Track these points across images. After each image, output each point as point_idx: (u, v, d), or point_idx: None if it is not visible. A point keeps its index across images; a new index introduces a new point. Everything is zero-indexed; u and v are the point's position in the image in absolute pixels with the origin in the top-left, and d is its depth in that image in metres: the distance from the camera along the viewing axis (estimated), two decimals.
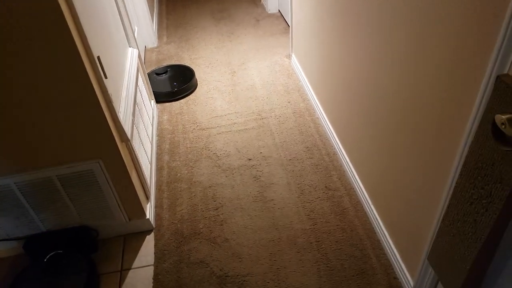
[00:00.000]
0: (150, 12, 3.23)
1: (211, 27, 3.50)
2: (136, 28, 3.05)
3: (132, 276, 1.60)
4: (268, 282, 1.52)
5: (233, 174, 2.01)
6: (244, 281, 1.53)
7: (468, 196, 0.89)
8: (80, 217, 1.64)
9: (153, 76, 2.76)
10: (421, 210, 1.25)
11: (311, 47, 2.31)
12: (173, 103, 2.59)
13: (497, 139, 0.77)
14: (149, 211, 1.78)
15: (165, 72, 2.78)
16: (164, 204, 1.89)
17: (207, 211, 1.83)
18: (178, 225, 1.78)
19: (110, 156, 1.49)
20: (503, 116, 0.72)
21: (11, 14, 1.09)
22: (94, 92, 1.30)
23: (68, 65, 1.22)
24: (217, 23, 3.56)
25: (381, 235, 1.61)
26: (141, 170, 1.72)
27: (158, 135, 2.32)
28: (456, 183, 0.92)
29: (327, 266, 1.55)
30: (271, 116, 2.38)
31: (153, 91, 2.55)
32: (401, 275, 1.47)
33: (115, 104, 1.45)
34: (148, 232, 1.77)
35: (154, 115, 2.41)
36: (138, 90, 2.01)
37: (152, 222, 1.78)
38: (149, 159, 2.00)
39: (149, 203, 1.82)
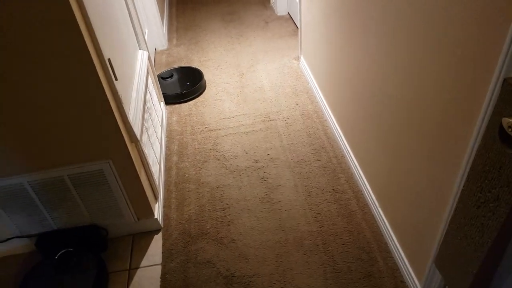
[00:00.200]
0: (160, 15, 3.26)
1: (220, 29, 3.52)
2: (146, 31, 3.08)
3: (140, 275, 1.62)
4: (274, 283, 1.53)
5: (240, 175, 2.03)
6: (250, 281, 1.54)
7: (475, 200, 0.89)
8: (90, 216, 1.67)
9: (160, 80, 2.79)
10: (428, 213, 1.25)
11: (319, 49, 2.32)
12: (182, 104, 2.61)
13: (504, 142, 0.77)
14: (158, 211, 1.80)
15: (170, 76, 2.79)
16: (172, 204, 1.91)
17: (214, 212, 1.84)
18: (186, 225, 1.79)
19: (119, 156, 1.51)
20: (510, 119, 0.72)
21: (23, 17, 1.12)
22: (105, 94, 1.33)
23: (79, 67, 1.24)
24: (227, 25, 3.58)
25: (388, 238, 1.61)
26: (150, 171, 1.74)
27: (167, 136, 2.35)
28: (463, 186, 0.92)
29: (334, 269, 1.55)
30: (279, 118, 2.39)
31: (162, 93, 2.58)
32: (408, 279, 1.46)
33: (125, 106, 1.48)
34: (156, 231, 1.79)
35: (164, 117, 2.43)
36: (148, 91, 2.04)
37: (160, 222, 1.80)
38: (158, 159, 2.02)
39: (157, 203, 1.84)
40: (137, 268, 1.65)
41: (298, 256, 1.62)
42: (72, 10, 1.14)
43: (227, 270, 1.59)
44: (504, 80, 0.75)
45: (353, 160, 1.94)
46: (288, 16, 3.64)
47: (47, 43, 1.18)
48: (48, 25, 1.15)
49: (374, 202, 1.72)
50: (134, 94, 1.73)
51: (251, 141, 2.24)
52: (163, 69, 3.02)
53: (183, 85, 2.69)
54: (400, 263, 1.51)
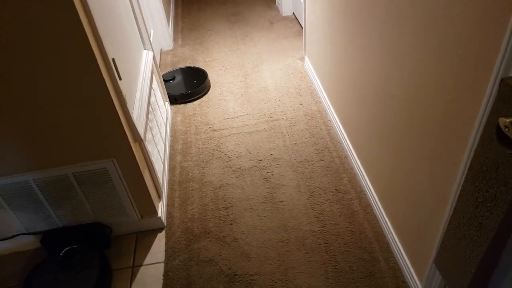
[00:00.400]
0: (166, 15, 3.28)
1: (225, 30, 3.54)
2: (151, 31, 3.11)
3: (143, 273, 1.64)
4: (276, 282, 1.54)
5: (243, 175, 2.04)
6: (252, 280, 1.55)
7: (473, 199, 0.89)
8: (94, 214, 1.69)
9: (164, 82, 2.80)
10: (429, 213, 1.25)
11: (323, 50, 2.32)
12: (187, 104, 2.63)
13: (502, 142, 0.77)
14: (161, 210, 1.82)
15: (172, 79, 2.80)
16: (176, 203, 1.93)
17: (217, 211, 1.86)
18: (189, 224, 1.81)
19: (123, 155, 1.53)
20: (506, 119, 0.73)
21: (28, 18, 1.14)
22: (109, 93, 1.34)
23: (83, 66, 1.26)
24: (232, 26, 3.59)
25: (390, 238, 1.61)
26: (153, 170, 1.76)
27: (171, 136, 2.37)
28: (462, 186, 0.93)
29: (335, 268, 1.56)
30: (282, 118, 2.40)
31: (167, 93, 2.60)
32: (409, 279, 1.47)
33: (129, 105, 1.49)
34: (160, 230, 1.80)
35: (168, 116, 2.45)
36: (152, 91, 2.05)
37: (163, 220, 1.81)
38: (162, 159, 2.04)
39: (161, 201, 1.86)
40: (140, 265, 1.67)
41: (300, 255, 1.63)
42: (77, 11, 1.16)
43: (229, 269, 1.61)
44: (502, 80, 0.75)
45: (356, 161, 1.95)
46: (293, 16, 3.65)
47: (52, 43, 1.20)
48: (53, 25, 1.17)
49: (376, 202, 1.73)
50: (138, 94, 1.74)
51: (255, 141, 2.26)
52: (168, 69, 3.04)
53: (187, 85, 2.70)
54: (402, 263, 1.51)
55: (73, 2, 1.14)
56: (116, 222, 1.75)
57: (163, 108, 2.34)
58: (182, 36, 3.53)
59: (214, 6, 4.03)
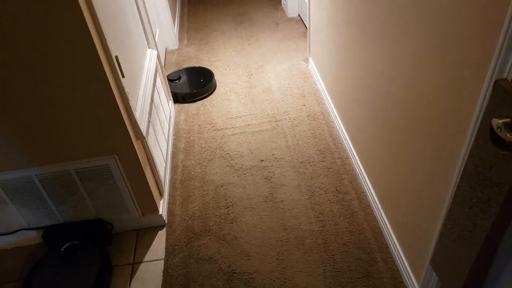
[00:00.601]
0: (172, 15, 3.31)
1: (231, 30, 3.56)
2: (157, 31, 3.13)
3: (143, 269, 1.66)
4: (274, 281, 1.54)
5: (245, 174, 2.05)
6: (250, 278, 1.56)
7: (468, 200, 0.89)
8: (96, 211, 1.71)
9: (169, 81, 2.82)
10: (427, 214, 1.25)
11: (327, 51, 2.33)
12: (191, 103, 2.64)
13: (495, 143, 0.78)
14: (162, 207, 1.83)
15: (178, 79, 2.82)
16: (177, 201, 1.94)
17: (218, 209, 1.87)
18: (190, 222, 1.82)
19: (125, 152, 1.54)
20: (499, 120, 0.73)
21: (31, 15, 1.16)
22: (111, 91, 1.36)
23: (86, 64, 1.28)
24: (237, 26, 3.61)
25: (389, 239, 1.61)
26: (155, 167, 1.78)
27: (174, 135, 2.38)
28: (457, 187, 0.93)
29: (334, 268, 1.56)
30: (285, 119, 2.41)
31: (173, 92, 2.62)
32: (407, 280, 1.47)
33: (131, 103, 1.51)
34: (161, 227, 1.82)
35: (172, 115, 2.47)
36: (156, 90, 2.07)
37: (164, 218, 1.83)
38: (164, 157, 2.06)
39: (162, 199, 1.87)
40: (141, 262, 1.69)
41: (299, 254, 1.63)
42: (81, 8, 1.18)
43: (228, 267, 1.62)
44: (495, 81, 0.75)
45: (357, 162, 1.95)
46: (298, 17, 3.66)
47: (55, 40, 1.22)
48: (57, 23, 1.19)
49: (376, 204, 1.73)
50: (141, 92, 1.76)
51: (257, 141, 2.27)
52: (173, 68, 3.06)
53: (194, 84, 2.72)
54: (400, 264, 1.52)
55: (77, 0, 1.16)
56: (117, 218, 1.77)
57: (166, 106, 2.36)
58: (188, 36, 3.55)
59: (220, 6, 4.05)
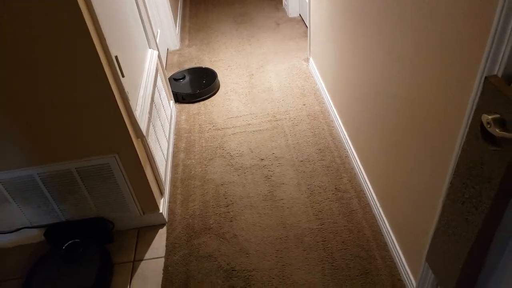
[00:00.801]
0: (173, 16, 3.33)
1: (232, 30, 3.57)
2: (159, 31, 3.15)
3: (143, 267, 1.67)
4: (273, 278, 1.56)
5: (245, 173, 2.06)
6: (250, 275, 1.57)
7: (461, 196, 0.90)
8: (97, 209, 1.73)
9: (173, 81, 2.83)
10: (424, 212, 1.26)
11: (327, 51, 2.34)
12: (192, 103, 2.66)
13: (486, 139, 0.79)
14: (163, 206, 1.85)
15: (183, 78, 2.83)
16: (178, 199, 1.96)
17: (218, 208, 1.89)
18: (190, 220, 1.84)
19: (125, 151, 1.56)
20: (489, 116, 0.74)
21: (32, 15, 1.18)
22: (111, 90, 1.38)
23: (86, 63, 1.30)
24: (238, 26, 3.63)
25: (387, 237, 1.62)
26: (155, 166, 1.79)
27: (175, 134, 2.40)
28: (450, 183, 0.94)
29: (332, 265, 1.58)
30: (285, 118, 2.42)
31: (175, 92, 2.64)
32: (405, 277, 1.48)
33: (131, 102, 1.53)
34: (161, 225, 1.84)
35: (173, 115, 2.49)
36: (156, 90, 2.09)
37: (165, 216, 1.85)
38: (165, 156, 2.07)
39: (163, 198, 1.89)
40: (141, 260, 1.70)
41: (298, 252, 1.64)
42: (80, 9, 1.19)
43: (227, 264, 1.63)
44: (485, 78, 0.76)
45: (356, 160, 1.96)
46: (299, 18, 3.67)
47: (55, 40, 1.24)
48: (56, 23, 1.21)
49: (375, 202, 1.74)
50: (142, 92, 1.78)
51: (257, 140, 2.28)
52: (174, 68, 3.08)
53: (197, 84, 2.73)
54: (398, 261, 1.53)
55: (76, 0, 1.18)
56: (118, 217, 1.79)
57: (167, 106, 2.38)
58: (189, 36, 3.57)
59: (221, 7, 4.07)
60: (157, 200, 1.78)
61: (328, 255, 1.62)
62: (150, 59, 2.09)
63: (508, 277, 0.87)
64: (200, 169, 2.13)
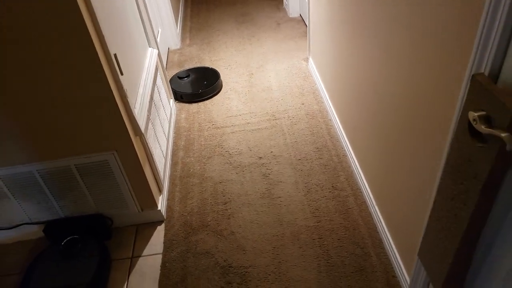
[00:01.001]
0: (174, 15, 3.35)
1: (233, 30, 3.59)
2: (159, 30, 3.17)
3: (141, 263, 1.69)
4: (269, 274, 1.57)
5: (243, 171, 2.08)
6: (246, 272, 1.59)
7: (450, 192, 0.92)
8: (96, 206, 1.75)
9: (177, 79, 2.85)
10: (418, 209, 1.27)
11: (326, 50, 2.36)
12: (192, 102, 2.68)
13: (473, 136, 0.80)
14: (161, 203, 1.87)
15: (187, 76, 2.85)
16: (176, 197, 1.98)
17: (216, 205, 1.90)
18: (188, 217, 1.86)
19: (124, 148, 1.58)
20: (475, 113, 0.76)
21: (31, 14, 1.20)
22: (110, 88, 1.40)
23: (85, 61, 1.32)
24: (239, 26, 3.64)
25: (383, 235, 1.64)
26: (154, 164, 1.81)
27: (175, 132, 2.42)
28: (440, 179, 0.96)
29: (328, 262, 1.59)
30: (284, 117, 2.43)
31: (179, 92, 2.65)
32: (399, 274, 1.49)
33: (130, 100, 1.55)
34: (159, 222, 1.86)
35: (172, 113, 2.51)
36: (156, 88, 2.11)
37: (163, 214, 1.87)
38: (164, 154, 2.09)
39: (161, 195, 1.91)
40: (139, 256, 1.72)
41: (294, 249, 1.66)
42: (79, 7, 1.21)
43: (224, 261, 1.65)
44: (472, 76, 0.78)
45: (353, 159, 1.98)
46: (300, 18, 3.69)
47: (54, 38, 1.26)
48: (56, 22, 1.23)
49: (371, 200, 1.75)
50: (141, 90, 1.80)
51: (256, 139, 2.30)
52: (175, 67, 3.10)
53: (199, 84, 2.74)
54: (393, 258, 1.54)
55: (76, 0, 1.20)
56: (117, 214, 1.81)
57: (167, 105, 2.40)
58: (190, 36, 3.59)
59: (223, 6, 4.09)
60: (155, 197, 1.80)
61: (324, 252, 1.63)
62: (150, 57, 2.11)
63: (495, 273, 0.89)
64: (199, 167, 2.15)
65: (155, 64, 2.13)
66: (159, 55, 2.30)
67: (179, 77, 2.84)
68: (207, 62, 3.14)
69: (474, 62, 0.81)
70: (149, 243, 1.77)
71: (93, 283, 1.55)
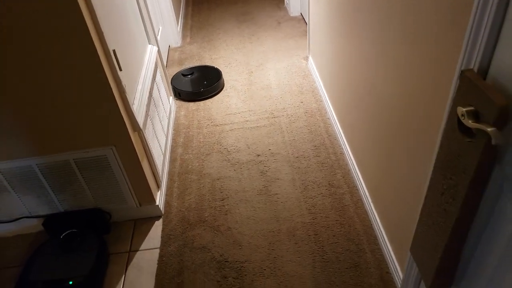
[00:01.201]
0: (175, 13, 3.37)
1: (233, 29, 3.61)
2: (160, 28, 3.19)
3: (139, 257, 1.71)
4: (265, 269, 1.59)
5: (241, 168, 2.10)
6: (242, 267, 1.61)
7: (440, 187, 0.93)
8: (95, 200, 1.77)
9: (181, 76, 2.86)
10: (411, 206, 1.29)
11: (325, 49, 2.37)
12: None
13: (462, 131, 0.82)
14: (159, 198, 1.89)
15: (191, 74, 2.86)
16: (174, 193, 2.00)
17: (213, 201, 1.92)
18: (186, 213, 1.88)
19: (122, 143, 1.60)
20: (463, 109, 0.77)
21: (30, 9, 1.22)
22: (108, 83, 1.42)
23: (84, 58, 1.34)
24: (240, 25, 3.66)
25: (378, 232, 1.65)
26: (152, 160, 1.83)
27: (174, 129, 2.44)
28: (431, 175, 0.97)
29: (323, 258, 1.61)
30: (283, 115, 2.45)
31: (181, 90, 2.67)
32: (393, 270, 1.51)
33: (129, 95, 1.57)
34: (157, 217, 1.88)
35: (172, 110, 2.53)
36: (155, 85, 2.13)
37: (161, 209, 1.88)
38: (163, 150, 2.11)
39: (160, 191, 1.93)
40: (137, 250, 1.74)
41: (290, 245, 1.68)
42: (78, 4, 1.23)
43: (221, 256, 1.67)
44: (461, 72, 0.79)
45: (350, 157, 1.99)
46: (300, 17, 3.70)
47: (53, 34, 1.28)
48: (55, 18, 1.25)
49: (367, 197, 1.77)
50: (140, 86, 1.82)
51: (254, 136, 2.31)
52: (175, 65, 3.12)
53: (201, 83, 2.74)
54: (387, 255, 1.55)
55: None
56: (115, 208, 1.83)
57: (166, 102, 2.42)
58: (191, 34, 3.61)
59: (224, 5, 4.11)
60: (153, 193, 1.82)
61: (319, 248, 1.65)
62: (150, 54, 2.13)
63: (483, 269, 0.90)
64: (197, 164, 2.16)
65: (154, 61, 2.15)
66: (159, 52, 2.31)
67: (183, 74, 2.85)
68: (207, 60, 3.15)
69: (464, 58, 0.83)
70: (146, 238, 1.79)
71: (91, 276, 1.57)
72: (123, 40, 1.66)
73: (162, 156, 2.07)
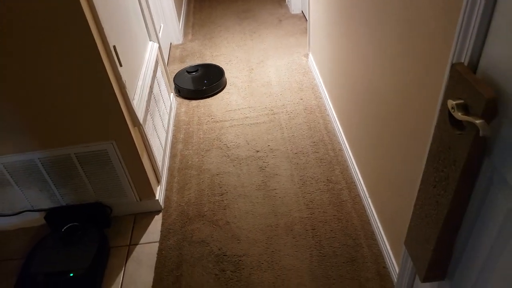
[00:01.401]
0: (177, 11, 3.39)
1: (234, 26, 3.63)
2: (162, 25, 3.21)
3: (138, 251, 1.74)
4: (262, 263, 1.61)
5: (240, 164, 2.12)
6: (240, 260, 1.63)
7: (432, 180, 0.95)
8: (96, 194, 1.79)
9: (185, 73, 2.87)
10: (406, 201, 1.30)
11: (325, 47, 2.38)
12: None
13: (452, 124, 0.83)
14: (159, 193, 1.91)
15: (196, 71, 2.88)
16: (174, 188, 2.02)
17: (212, 196, 1.94)
18: (185, 207, 1.90)
19: (122, 138, 1.62)
20: (453, 102, 0.79)
21: (30, 3, 1.24)
22: (109, 78, 1.44)
23: (84, 52, 1.36)
24: (241, 22, 3.68)
25: (375, 227, 1.67)
26: (152, 155, 1.85)
27: (174, 125, 2.46)
28: (424, 168, 0.99)
29: (320, 252, 1.63)
30: (282, 112, 2.47)
31: (183, 88, 2.68)
32: (389, 264, 1.52)
33: (129, 91, 1.59)
34: (157, 212, 1.90)
35: (172, 107, 2.55)
36: (156, 81, 2.15)
37: (161, 203, 1.91)
38: (163, 146, 2.13)
39: (160, 186, 1.95)
40: (137, 244, 1.77)
41: (287, 239, 1.70)
42: (79, 0, 1.25)
43: (219, 249, 1.69)
44: (452, 65, 0.81)
45: (349, 153, 2.01)
46: (301, 14, 3.71)
47: (54, 29, 1.30)
48: (55, 13, 1.27)
49: (365, 193, 1.78)
50: (140, 82, 1.84)
51: (254, 133, 2.33)
52: (176, 62, 3.14)
53: (203, 81, 2.76)
54: (384, 250, 1.57)
55: None
56: (116, 202, 1.85)
57: (167, 98, 2.44)
58: (193, 31, 3.63)
59: (225, 3, 4.13)
60: (153, 188, 1.84)
61: (317, 242, 1.67)
62: (150, 51, 2.15)
63: (473, 262, 0.92)
64: (197, 159, 2.18)
65: (155, 57, 2.17)
66: (159, 49, 2.33)
67: (188, 71, 2.86)
68: (208, 57, 3.17)
69: (455, 52, 0.84)
70: (146, 232, 1.82)
71: (92, 268, 1.60)
72: (124, 36, 1.68)
73: (162, 152, 2.09)
